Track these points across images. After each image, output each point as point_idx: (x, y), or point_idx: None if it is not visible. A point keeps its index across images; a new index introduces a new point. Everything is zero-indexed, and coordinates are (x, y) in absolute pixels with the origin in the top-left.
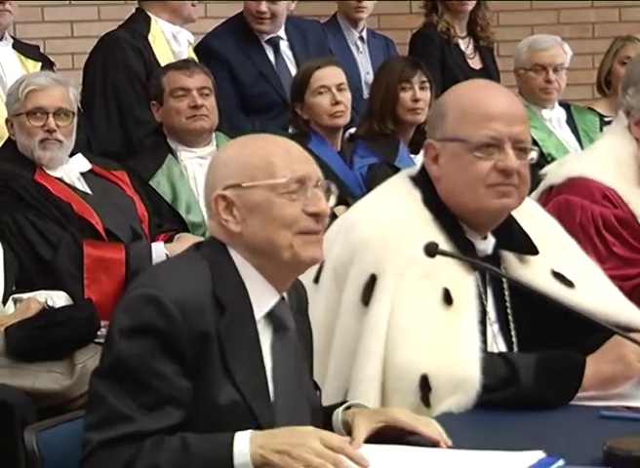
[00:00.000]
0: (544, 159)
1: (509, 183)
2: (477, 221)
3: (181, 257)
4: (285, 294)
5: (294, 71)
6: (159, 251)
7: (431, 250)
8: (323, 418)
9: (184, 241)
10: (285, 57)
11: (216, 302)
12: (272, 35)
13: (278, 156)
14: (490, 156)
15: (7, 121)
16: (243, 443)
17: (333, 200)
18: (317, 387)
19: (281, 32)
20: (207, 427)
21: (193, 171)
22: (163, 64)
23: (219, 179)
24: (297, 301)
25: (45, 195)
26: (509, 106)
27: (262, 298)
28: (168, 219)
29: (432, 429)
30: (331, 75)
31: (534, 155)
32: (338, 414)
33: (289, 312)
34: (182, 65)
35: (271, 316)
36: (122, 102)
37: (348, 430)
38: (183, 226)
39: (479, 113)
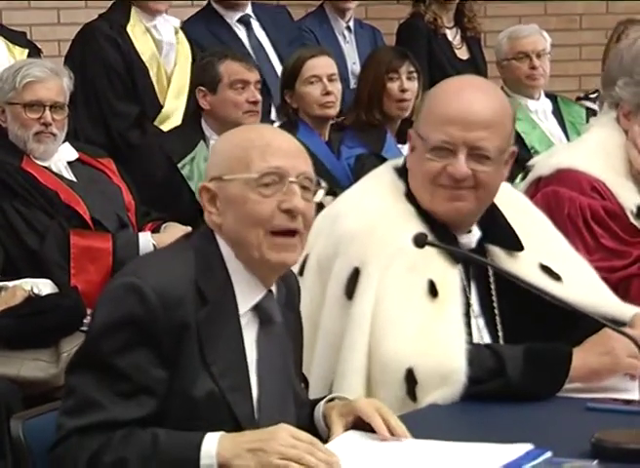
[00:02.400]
0: (528, 152)
1: (460, 187)
2: (440, 220)
3: (169, 248)
4: (274, 287)
5: (270, 51)
6: (146, 240)
7: (420, 240)
8: (309, 412)
9: (171, 231)
10: (258, 36)
11: (198, 293)
12: (240, 14)
13: (257, 148)
14: (441, 159)
15: None
16: (211, 444)
17: (320, 195)
18: (305, 381)
19: (249, 10)
20: (182, 419)
21: None
22: (145, 55)
23: (207, 170)
24: (286, 294)
25: (32, 183)
26: (472, 111)
27: (248, 292)
28: (184, 204)
29: (391, 422)
30: (323, 65)
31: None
32: (319, 408)
33: (276, 306)
34: (241, 58)
35: (258, 309)
36: (99, 96)
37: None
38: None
39: (438, 115)
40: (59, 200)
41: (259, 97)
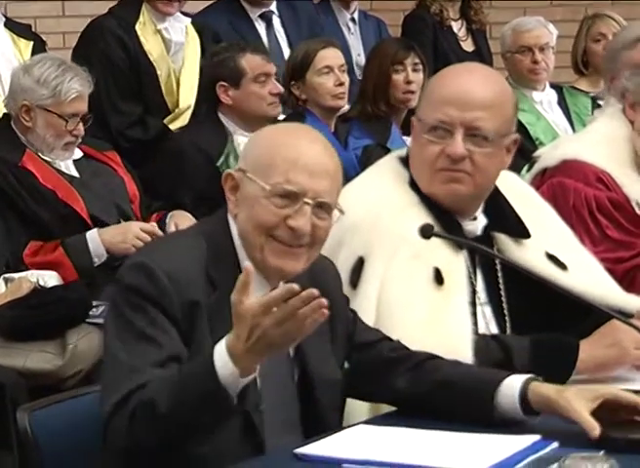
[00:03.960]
0: (532, 143)
1: (457, 169)
2: (442, 205)
3: (181, 232)
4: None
5: (285, 48)
6: (94, 239)
7: (427, 231)
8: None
9: (179, 219)
10: (277, 33)
11: (208, 279)
12: (264, 9)
13: (284, 160)
14: (440, 140)
15: (23, 106)
16: (221, 351)
17: (330, 221)
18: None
19: (273, 7)
20: None
21: None
22: (153, 55)
23: (240, 158)
24: (311, 280)
25: (28, 184)
26: (470, 91)
27: (255, 284)
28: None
29: None
30: (334, 56)
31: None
32: (513, 383)
33: None
34: (260, 49)
35: None
36: (101, 94)
37: (541, 403)
38: None
39: (437, 95)
40: (56, 199)
41: (281, 88)
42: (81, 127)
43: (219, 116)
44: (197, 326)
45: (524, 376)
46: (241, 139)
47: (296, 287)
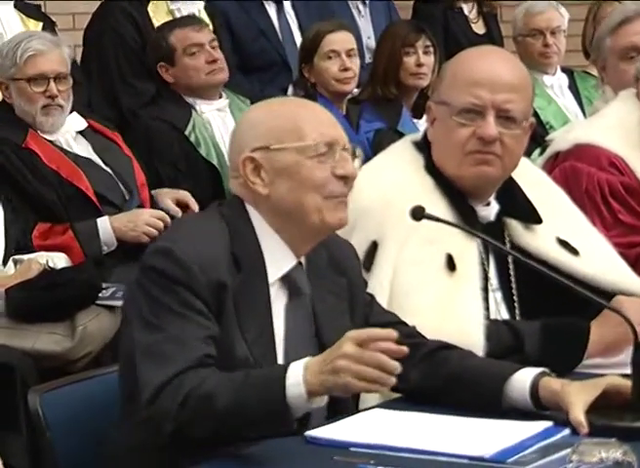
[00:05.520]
0: (543, 127)
1: (488, 151)
2: (464, 188)
3: (200, 216)
4: (303, 259)
5: (296, 31)
6: (105, 227)
7: (417, 213)
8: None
9: (168, 195)
10: (288, 16)
11: (232, 260)
12: None
13: (307, 119)
14: (471, 122)
15: (1, 83)
16: (297, 371)
17: (358, 163)
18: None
19: None
20: None
21: (216, 123)
22: None
23: (246, 141)
24: (328, 259)
25: (32, 164)
26: (499, 73)
27: (278, 261)
28: (201, 171)
29: None
30: (342, 40)
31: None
32: (524, 377)
33: (305, 278)
34: (188, 22)
35: (286, 280)
36: (113, 72)
37: (549, 399)
38: (217, 178)
39: (465, 78)
40: (60, 179)
41: (216, 55)
42: (53, 86)
43: (175, 92)
44: (225, 308)
45: (535, 371)
46: (204, 107)
47: (395, 336)
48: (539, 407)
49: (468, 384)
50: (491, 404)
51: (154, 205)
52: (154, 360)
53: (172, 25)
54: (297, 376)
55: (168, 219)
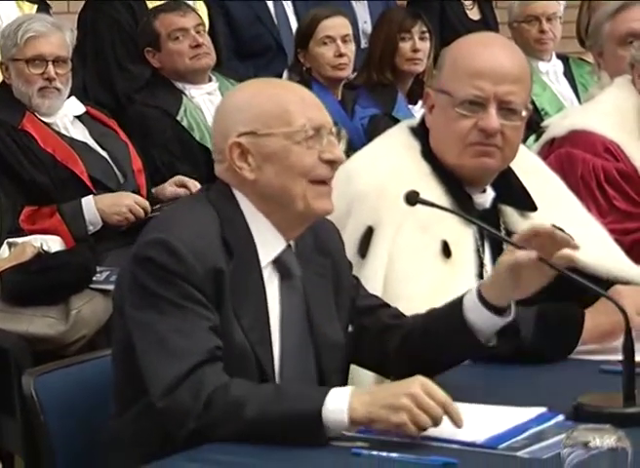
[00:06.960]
0: (538, 114)
1: (490, 143)
2: (462, 176)
3: (187, 203)
4: (292, 242)
5: (291, 16)
6: (89, 206)
7: (411, 198)
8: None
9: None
10: (284, 1)
11: (224, 245)
12: None
13: (294, 103)
14: (472, 114)
15: (1, 64)
16: (341, 397)
17: (343, 145)
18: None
19: None
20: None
21: (207, 107)
22: None
23: (232, 125)
24: (314, 241)
25: (27, 146)
26: (502, 64)
27: (269, 245)
28: (196, 155)
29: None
30: (337, 26)
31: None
32: (471, 295)
33: (294, 260)
34: (174, 7)
35: (278, 263)
36: (108, 57)
37: (494, 290)
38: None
39: (468, 69)
40: (54, 162)
41: (200, 39)
42: (51, 69)
43: (166, 78)
44: (221, 295)
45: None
46: (194, 92)
47: None
48: (499, 312)
49: (433, 330)
50: (462, 337)
51: (156, 200)
52: (161, 352)
53: (158, 10)
54: (340, 403)
55: (149, 209)
